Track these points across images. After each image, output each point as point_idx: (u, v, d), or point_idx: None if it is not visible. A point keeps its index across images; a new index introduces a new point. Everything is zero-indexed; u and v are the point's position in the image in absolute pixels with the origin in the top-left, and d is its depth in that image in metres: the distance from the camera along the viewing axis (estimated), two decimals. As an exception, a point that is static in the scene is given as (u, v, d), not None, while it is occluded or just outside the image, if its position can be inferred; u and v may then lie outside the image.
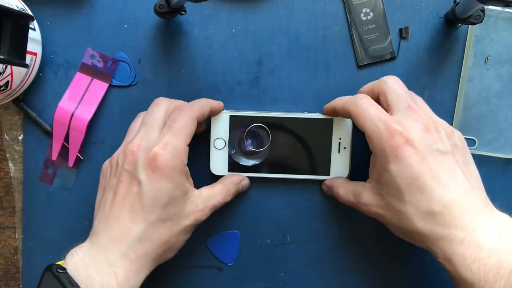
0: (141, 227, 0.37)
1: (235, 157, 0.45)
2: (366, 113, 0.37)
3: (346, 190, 0.42)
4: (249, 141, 0.45)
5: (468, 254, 0.32)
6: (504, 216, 0.35)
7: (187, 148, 0.39)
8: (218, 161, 0.45)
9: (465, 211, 0.34)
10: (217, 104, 0.43)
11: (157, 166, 0.36)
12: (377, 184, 0.38)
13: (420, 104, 0.39)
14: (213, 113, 0.43)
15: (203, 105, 0.41)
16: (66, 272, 0.35)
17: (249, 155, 0.45)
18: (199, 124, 0.42)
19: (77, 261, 0.36)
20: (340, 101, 0.41)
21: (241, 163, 0.45)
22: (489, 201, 0.37)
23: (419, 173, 0.34)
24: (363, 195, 0.40)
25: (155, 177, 0.37)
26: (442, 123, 0.39)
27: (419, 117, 0.36)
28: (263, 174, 0.45)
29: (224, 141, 0.45)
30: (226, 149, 0.45)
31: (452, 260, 0.33)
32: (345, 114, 0.41)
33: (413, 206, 0.35)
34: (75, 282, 0.34)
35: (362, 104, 0.38)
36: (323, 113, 0.45)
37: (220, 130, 0.44)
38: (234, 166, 0.45)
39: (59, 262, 0.37)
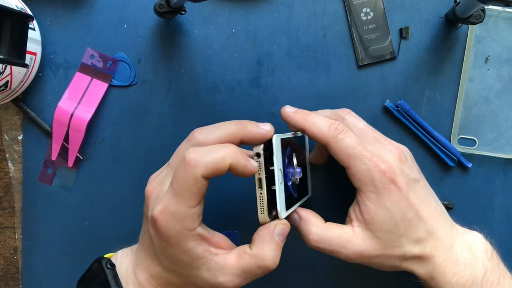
0: (158, 269, 0.36)
1: (288, 190, 0.36)
2: (349, 150, 0.36)
3: (326, 234, 0.37)
4: (299, 168, 0.38)
5: (448, 270, 0.36)
6: (463, 229, 0.40)
7: (194, 210, 0.33)
8: (281, 201, 0.34)
9: (442, 232, 0.37)
10: (243, 166, 0.32)
11: (157, 230, 0.33)
12: (370, 225, 0.36)
13: (377, 133, 0.39)
14: (236, 172, 0.32)
15: (218, 158, 0.31)
16: (114, 270, 0.36)
17: (294, 184, 0.38)
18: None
19: (124, 264, 0.38)
20: (314, 126, 0.37)
21: (293, 195, 0.37)
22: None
23: (406, 209, 0.36)
24: (355, 242, 0.36)
25: (160, 239, 0.34)
26: (398, 144, 0.39)
27: (390, 148, 0.38)
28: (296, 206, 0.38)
29: (281, 172, 0.34)
30: (282, 183, 0.35)
31: (435, 278, 0.36)
32: (319, 141, 0.37)
33: (406, 238, 0.36)
34: (120, 283, 0.35)
35: (345, 140, 0.36)
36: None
37: (276, 159, 0.33)
38: (288, 202, 0.36)
39: (108, 255, 0.38)
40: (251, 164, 0.32)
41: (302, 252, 0.47)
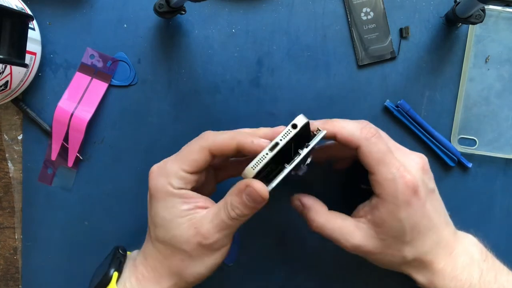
0: (149, 245, 0.38)
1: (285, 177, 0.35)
2: (380, 155, 0.36)
3: (329, 224, 0.38)
4: (306, 167, 0.38)
5: (447, 275, 0.37)
6: (461, 233, 0.40)
7: (183, 174, 0.36)
8: (278, 181, 0.34)
9: (446, 241, 0.38)
10: (250, 142, 0.35)
11: (149, 185, 0.37)
12: (377, 228, 0.37)
13: (397, 143, 0.39)
14: (244, 150, 0.35)
15: (227, 137, 0.35)
16: (123, 255, 0.40)
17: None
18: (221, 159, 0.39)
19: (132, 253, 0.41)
20: (344, 130, 0.36)
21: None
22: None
23: (421, 218, 0.36)
24: (356, 236, 0.37)
25: (149, 196, 0.37)
26: (419, 154, 0.39)
27: (413, 157, 0.38)
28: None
29: (299, 160, 0.35)
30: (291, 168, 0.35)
31: (434, 282, 0.37)
32: (349, 145, 0.37)
33: (410, 246, 0.37)
34: (119, 264, 0.38)
35: (377, 144, 0.36)
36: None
37: (309, 148, 0.35)
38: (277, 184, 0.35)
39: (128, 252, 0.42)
40: (259, 140, 0.34)
41: (302, 252, 0.47)
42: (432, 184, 0.38)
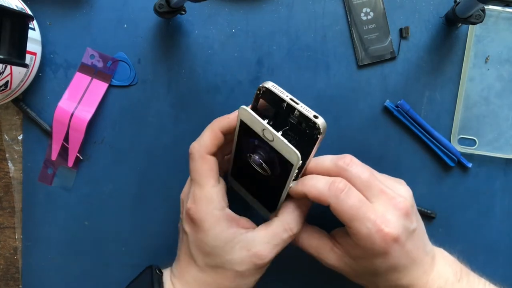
0: (193, 271, 0.38)
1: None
2: (352, 211, 0.34)
3: (306, 241, 0.39)
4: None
5: None
6: (438, 254, 0.39)
7: (217, 190, 0.37)
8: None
9: (423, 270, 0.37)
10: (227, 121, 0.37)
11: (192, 220, 0.37)
12: (351, 260, 0.37)
13: (382, 179, 0.37)
14: (227, 130, 0.38)
15: (209, 133, 0.37)
16: (161, 276, 0.40)
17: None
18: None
19: (167, 275, 0.40)
20: (313, 189, 0.35)
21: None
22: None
23: (399, 260, 0.36)
24: (330, 258, 0.38)
25: (194, 230, 0.37)
26: (404, 190, 0.38)
27: (395, 202, 0.36)
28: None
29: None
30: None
31: None
32: (321, 203, 0.36)
33: (385, 279, 0.37)
34: (163, 285, 0.38)
35: (347, 201, 0.34)
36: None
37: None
38: None
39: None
40: (231, 114, 0.37)
41: (302, 252, 0.47)
42: (414, 222, 0.36)
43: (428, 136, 0.46)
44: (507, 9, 0.46)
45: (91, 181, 0.46)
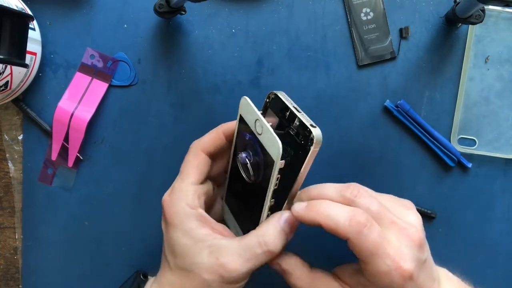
0: (167, 274, 0.36)
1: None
2: (373, 247, 0.32)
3: (313, 286, 0.36)
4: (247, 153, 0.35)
5: None
6: (444, 277, 0.38)
7: (196, 188, 0.36)
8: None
9: None
10: (231, 124, 0.37)
11: (164, 214, 0.36)
12: None
13: (389, 206, 0.36)
14: (229, 133, 0.38)
15: (211, 132, 0.38)
16: (145, 282, 0.39)
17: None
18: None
19: (151, 280, 0.40)
20: (331, 221, 0.32)
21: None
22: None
23: None
24: None
25: (166, 226, 0.36)
26: (414, 219, 0.36)
27: (408, 233, 0.34)
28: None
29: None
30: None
31: None
32: (337, 235, 0.33)
33: None
34: None
35: (369, 236, 0.32)
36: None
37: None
38: None
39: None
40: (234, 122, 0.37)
41: (303, 252, 0.47)
42: (425, 252, 0.35)
43: (428, 136, 0.46)
44: (507, 9, 0.46)
45: (91, 181, 0.46)
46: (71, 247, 0.47)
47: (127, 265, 0.47)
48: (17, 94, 0.44)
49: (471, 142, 0.47)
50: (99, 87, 0.45)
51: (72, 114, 0.44)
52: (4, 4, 0.37)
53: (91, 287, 0.47)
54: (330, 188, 0.35)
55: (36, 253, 0.47)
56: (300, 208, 0.33)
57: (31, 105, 0.45)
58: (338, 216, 0.32)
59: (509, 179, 0.48)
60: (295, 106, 0.33)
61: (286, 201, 0.34)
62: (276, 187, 0.32)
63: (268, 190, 0.33)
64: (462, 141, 0.47)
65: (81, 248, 0.47)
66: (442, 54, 0.46)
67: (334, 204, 0.33)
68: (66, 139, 0.45)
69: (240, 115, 0.35)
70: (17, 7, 0.41)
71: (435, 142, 0.46)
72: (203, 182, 0.37)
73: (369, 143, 0.47)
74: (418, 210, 0.39)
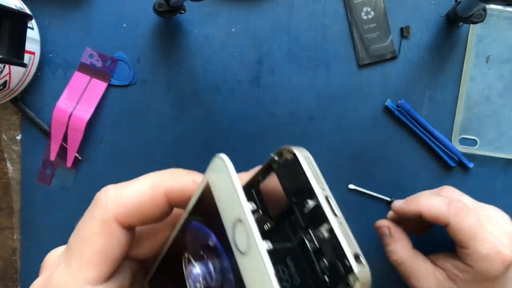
0: None
1: None
2: (473, 231, 0.35)
3: (409, 262, 0.38)
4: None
5: None
6: None
7: None
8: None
9: None
10: (189, 181, 0.21)
11: None
12: (454, 285, 0.37)
13: (486, 210, 0.39)
14: (181, 197, 0.21)
15: (144, 187, 0.22)
16: None
17: None
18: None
19: None
20: (431, 208, 0.36)
21: None
22: None
23: (507, 286, 0.36)
24: (430, 282, 0.37)
25: None
26: (507, 218, 0.39)
27: (505, 227, 0.37)
28: None
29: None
30: None
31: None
32: (437, 223, 0.36)
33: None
34: None
35: (468, 219, 0.35)
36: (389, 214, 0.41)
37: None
38: None
39: None
40: (200, 176, 0.20)
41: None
42: None
43: (429, 136, 0.46)
44: (509, 9, 0.46)
45: (90, 181, 0.46)
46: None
47: (126, 265, 0.47)
48: (16, 93, 0.44)
49: (472, 142, 0.47)
50: (98, 87, 0.45)
51: (71, 114, 0.44)
52: (3, 3, 0.36)
53: None
54: (426, 192, 0.39)
55: (35, 253, 0.47)
56: (400, 203, 0.38)
57: (30, 104, 0.45)
58: (437, 203, 0.36)
59: (510, 179, 0.48)
60: (328, 193, 0.18)
61: None
62: None
63: None
64: (463, 141, 0.47)
65: (80, 249, 0.47)
66: (443, 53, 0.46)
67: (432, 195, 0.37)
68: (65, 139, 0.45)
69: (207, 188, 0.19)
70: (16, 6, 0.41)
71: (436, 142, 0.46)
72: (111, 276, 0.21)
73: (369, 143, 0.47)
74: None
